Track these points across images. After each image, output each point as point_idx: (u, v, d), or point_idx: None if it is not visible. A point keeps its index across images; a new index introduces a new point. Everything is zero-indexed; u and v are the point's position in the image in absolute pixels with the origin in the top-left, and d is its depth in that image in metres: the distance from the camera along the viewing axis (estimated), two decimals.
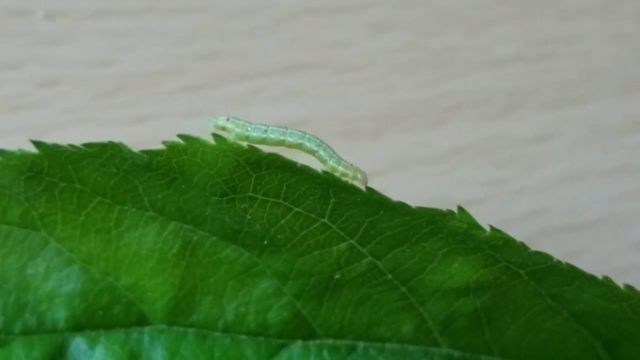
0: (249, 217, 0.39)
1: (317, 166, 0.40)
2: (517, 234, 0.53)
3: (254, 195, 0.39)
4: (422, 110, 0.62)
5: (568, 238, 0.58)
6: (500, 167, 0.60)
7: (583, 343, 0.42)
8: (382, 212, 0.39)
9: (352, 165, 0.43)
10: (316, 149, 0.43)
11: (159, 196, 0.39)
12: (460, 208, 0.38)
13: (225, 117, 0.43)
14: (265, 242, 0.40)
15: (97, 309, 0.40)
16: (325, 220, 0.39)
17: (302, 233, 0.40)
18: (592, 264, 0.56)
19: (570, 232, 0.58)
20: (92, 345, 0.39)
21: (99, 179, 0.38)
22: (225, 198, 0.39)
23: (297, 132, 0.43)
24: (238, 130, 0.42)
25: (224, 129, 0.43)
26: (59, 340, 0.39)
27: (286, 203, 0.39)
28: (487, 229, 0.39)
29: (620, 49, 0.69)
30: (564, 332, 0.42)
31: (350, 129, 0.59)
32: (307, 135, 0.43)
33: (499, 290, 0.41)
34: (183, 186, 0.39)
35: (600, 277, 0.40)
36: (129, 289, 0.40)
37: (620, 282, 0.41)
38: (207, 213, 0.39)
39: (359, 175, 0.43)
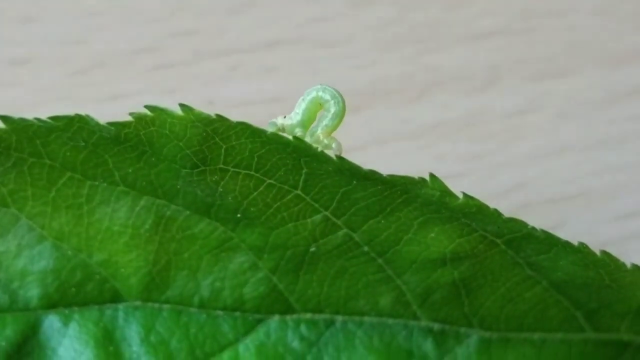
0: (221, 190, 0.39)
1: None
2: (498, 207, 0.53)
3: (225, 167, 0.38)
4: (403, 86, 0.61)
5: (549, 211, 0.57)
6: (481, 141, 0.60)
7: (564, 313, 0.42)
8: (355, 182, 0.38)
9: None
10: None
11: (130, 170, 0.38)
12: (432, 175, 0.38)
13: (282, 116, 0.42)
14: (239, 215, 0.39)
15: (70, 286, 0.39)
16: (299, 191, 0.39)
17: (275, 205, 0.39)
18: (574, 237, 0.55)
19: (551, 205, 0.58)
20: (65, 322, 0.39)
21: (68, 153, 0.38)
22: (195, 170, 0.38)
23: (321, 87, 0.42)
24: (289, 122, 0.42)
25: (282, 128, 0.42)
26: (32, 318, 0.39)
27: (258, 175, 0.38)
28: (460, 196, 0.38)
29: (603, 22, 0.68)
30: (544, 302, 0.41)
31: None
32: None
33: (477, 260, 0.40)
34: (153, 159, 0.38)
35: (575, 243, 0.39)
36: (102, 265, 0.39)
37: None
38: (178, 186, 0.39)
39: (333, 144, 0.42)
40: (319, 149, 0.39)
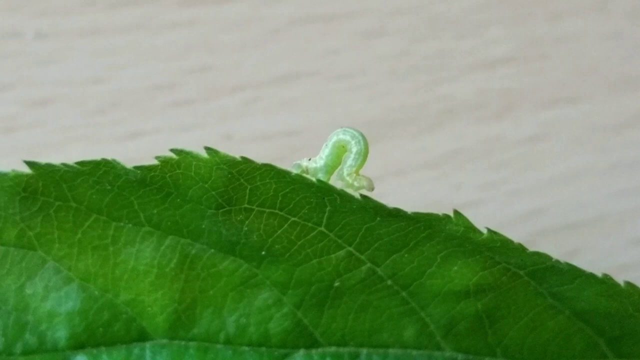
0: (246, 229, 0.39)
1: None
2: (515, 234, 0.53)
3: (249, 206, 0.39)
4: (416, 116, 0.62)
5: (567, 237, 0.58)
6: (497, 169, 0.60)
7: (586, 341, 0.42)
8: (378, 218, 0.39)
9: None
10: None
11: (155, 211, 0.39)
12: (456, 211, 0.38)
13: (307, 158, 0.43)
14: (263, 252, 0.39)
15: (97, 327, 0.39)
16: (322, 228, 0.39)
17: (299, 242, 0.39)
18: (592, 262, 0.56)
19: (568, 230, 0.58)
20: None
21: (94, 196, 0.38)
22: (220, 210, 0.39)
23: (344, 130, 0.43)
24: (313, 165, 0.42)
25: (307, 170, 0.42)
26: (61, 359, 0.39)
27: (282, 213, 0.39)
28: (485, 231, 0.39)
29: (612, 47, 0.69)
30: (567, 330, 0.42)
31: None
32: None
33: (500, 292, 0.40)
34: (178, 200, 0.38)
35: (600, 275, 0.39)
36: (129, 305, 0.39)
37: (621, 278, 0.41)
38: (203, 226, 0.39)
39: (364, 183, 0.42)
40: (352, 192, 0.40)
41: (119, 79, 0.59)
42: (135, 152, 0.55)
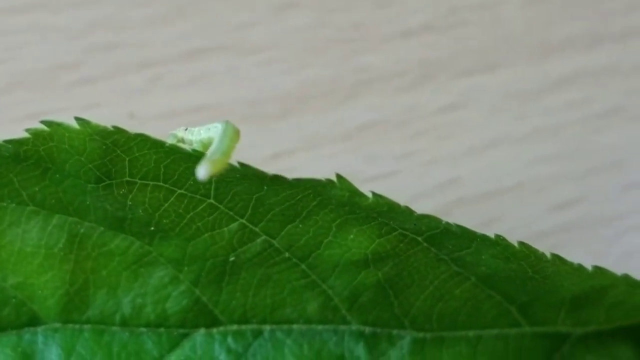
0: (130, 203, 0.38)
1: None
2: (432, 204, 0.53)
3: (131, 179, 0.37)
4: (332, 88, 0.61)
5: (485, 205, 0.57)
6: (413, 139, 0.59)
7: (497, 308, 0.41)
8: (266, 187, 0.37)
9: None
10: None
11: (37, 189, 0.37)
12: (339, 176, 0.37)
13: (184, 128, 0.41)
14: (152, 228, 0.38)
15: None
16: (212, 200, 0.38)
17: (188, 216, 0.38)
18: (513, 229, 0.56)
19: (487, 199, 0.57)
20: None
21: None
22: (101, 185, 0.37)
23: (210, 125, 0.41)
24: (190, 137, 0.40)
25: (182, 140, 0.41)
26: None
27: (167, 185, 0.37)
28: (370, 195, 0.38)
29: (532, 13, 0.68)
30: (476, 298, 0.41)
31: (256, 111, 0.58)
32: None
33: (399, 260, 0.39)
34: (57, 176, 0.37)
35: (492, 236, 0.38)
36: (18, 288, 0.38)
37: (540, 245, 0.40)
38: (88, 202, 0.37)
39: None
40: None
41: (20, 60, 0.57)
42: None
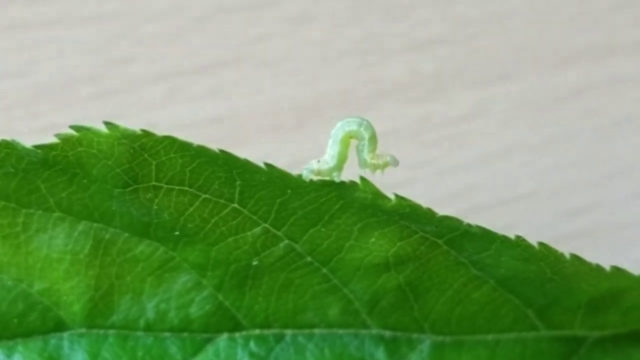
0: (156, 208, 0.38)
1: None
2: (446, 212, 0.53)
3: (157, 184, 0.38)
4: (346, 99, 0.61)
5: (499, 213, 0.57)
6: (427, 148, 0.60)
7: (515, 312, 0.42)
8: (289, 191, 0.38)
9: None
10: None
11: (64, 195, 0.38)
12: (362, 177, 0.38)
13: (316, 160, 0.41)
14: (177, 232, 0.38)
15: (11, 318, 0.38)
16: (236, 204, 0.38)
17: (213, 220, 0.38)
18: (526, 236, 0.56)
19: (501, 207, 0.58)
20: (9, 354, 0.38)
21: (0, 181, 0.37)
22: (127, 189, 0.38)
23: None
24: (325, 166, 0.41)
25: (319, 173, 0.40)
26: None
27: (192, 190, 0.38)
28: (392, 197, 0.38)
29: (543, 24, 0.69)
30: (494, 301, 0.41)
31: (271, 122, 0.59)
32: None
33: (420, 263, 0.40)
34: (85, 181, 0.37)
35: (512, 237, 0.39)
36: (44, 294, 0.39)
37: None
38: (113, 208, 0.38)
39: (388, 159, 0.41)
40: (380, 171, 0.40)
41: (39, 73, 0.58)
42: None
